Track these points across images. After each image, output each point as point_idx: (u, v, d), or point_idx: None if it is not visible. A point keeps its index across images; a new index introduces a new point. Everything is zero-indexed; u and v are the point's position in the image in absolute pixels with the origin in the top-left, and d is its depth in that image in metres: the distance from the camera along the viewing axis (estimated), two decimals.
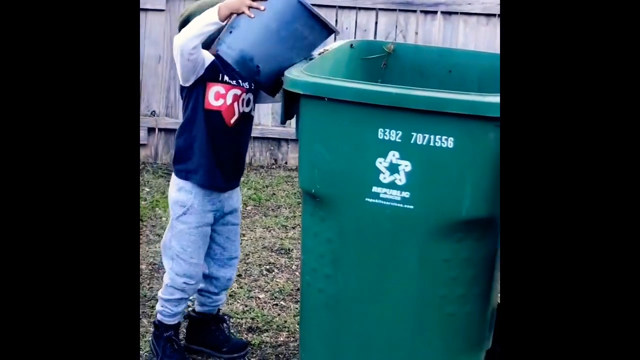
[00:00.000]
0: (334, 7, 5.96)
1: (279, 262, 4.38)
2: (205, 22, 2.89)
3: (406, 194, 2.59)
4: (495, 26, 6.01)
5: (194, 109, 3.07)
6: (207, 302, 3.35)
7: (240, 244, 4.51)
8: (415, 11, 6.05)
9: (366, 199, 2.63)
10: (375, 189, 2.62)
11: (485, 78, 3.22)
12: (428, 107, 2.51)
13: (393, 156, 2.58)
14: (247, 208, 5.22)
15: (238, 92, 3.10)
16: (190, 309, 3.44)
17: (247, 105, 3.15)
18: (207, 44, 3.04)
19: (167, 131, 5.99)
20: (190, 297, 3.32)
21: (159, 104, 6.07)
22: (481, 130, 2.49)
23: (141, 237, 4.56)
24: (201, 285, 3.32)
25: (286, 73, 2.72)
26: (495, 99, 2.49)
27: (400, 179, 2.59)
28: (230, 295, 3.89)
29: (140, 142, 5.89)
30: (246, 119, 3.18)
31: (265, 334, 3.58)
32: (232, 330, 3.53)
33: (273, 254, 4.49)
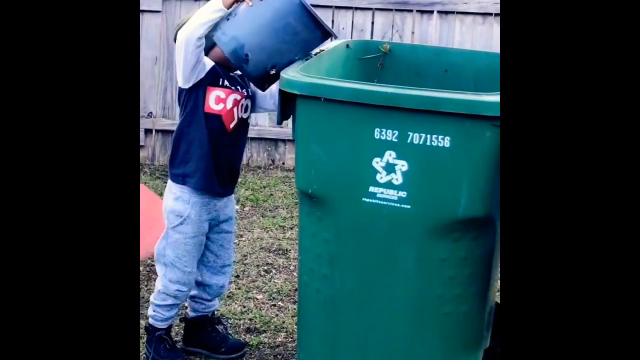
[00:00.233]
0: (330, 7, 5.96)
1: (277, 262, 4.38)
2: (211, 10, 2.89)
3: (403, 194, 2.59)
4: (491, 25, 6.01)
5: (194, 112, 3.06)
6: (200, 309, 3.35)
7: (238, 244, 4.54)
8: (411, 11, 6.05)
9: (363, 199, 2.63)
10: (372, 188, 2.62)
11: (481, 77, 3.22)
12: (424, 107, 2.51)
13: (389, 156, 2.58)
14: (245, 209, 5.22)
15: (238, 97, 3.10)
16: (184, 311, 3.44)
17: (246, 111, 3.16)
18: (207, 51, 3.04)
19: (164, 132, 5.99)
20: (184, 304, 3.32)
21: (156, 105, 6.07)
22: (477, 130, 2.49)
23: None
24: (194, 292, 3.32)
25: (282, 73, 2.72)
26: (492, 98, 2.49)
27: (397, 178, 2.59)
28: (228, 296, 3.88)
29: None
30: (244, 126, 3.18)
31: (263, 335, 3.58)
32: (229, 331, 3.53)
33: (271, 254, 4.49)
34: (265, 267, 4.31)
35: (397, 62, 3.35)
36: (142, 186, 4.47)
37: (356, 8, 6.05)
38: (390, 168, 2.59)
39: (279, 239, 4.70)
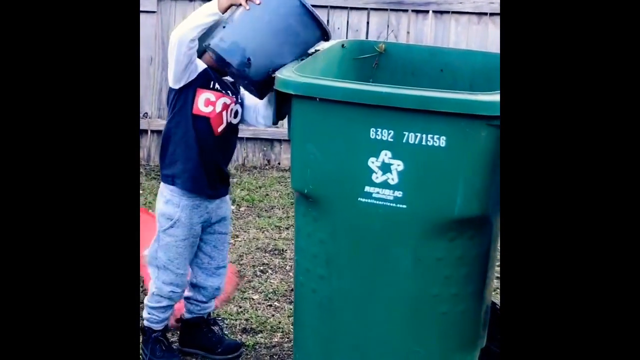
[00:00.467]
0: (325, 7, 5.96)
1: (273, 262, 4.37)
2: (206, 13, 2.88)
3: (399, 194, 2.59)
4: (486, 25, 6.02)
5: (182, 113, 3.05)
6: (196, 310, 3.34)
7: (234, 245, 4.53)
8: (406, 10, 6.05)
9: (359, 199, 2.63)
10: (367, 188, 2.62)
11: (477, 77, 3.22)
12: (420, 106, 2.51)
13: (385, 155, 2.58)
14: (241, 209, 5.21)
15: (228, 101, 3.09)
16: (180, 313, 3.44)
17: (235, 116, 3.15)
18: (200, 53, 3.03)
19: (160, 133, 5.95)
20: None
21: (151, 106, 6.06)
22: (473, 129, 2.49)
23: None
24: (189, 294, 3.31)
25: (277, 73, 2.72)
26: (487, 97, 2.49)
27: (393, 178, 2.59)
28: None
29: None
30: (233, 131, 3.17)
31: (259, 335, 3.57)
32: (226, 332, 3.53)
33: (267, 254, 4.48)
34: (261, 268, 4.30)
35: (393, 62, 3.35)
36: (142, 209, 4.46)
37: (351, 8, 6.04)
38: (386, 168, 2.58)
39: (274, 239, 4.70)
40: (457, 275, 2.68)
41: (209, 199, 3.15)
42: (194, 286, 3.29)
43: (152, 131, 6.02)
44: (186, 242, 3.14)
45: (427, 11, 6.03)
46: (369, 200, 2.62)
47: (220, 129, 3.09)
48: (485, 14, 5.99)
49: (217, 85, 3.07)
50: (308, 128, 2.67)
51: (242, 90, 3.14)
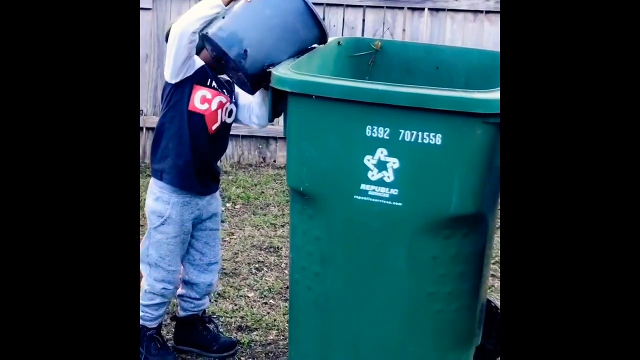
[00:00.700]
0: (321, 4, 5.95)
1: (268, 260, 4.37)
2: (210, 5, 2.87)
3: (394, 191, 2.59)
4: (482, 23, 6.02)
5: (177, 108, 3.04)
6: (190, 307, 3.34)
7: (229, 242, 4.53)
8: (402, 8, 6.05)
9: (354, 197, 2.63)
10: (363, 186, 2.61)
11: (472, 74, 3.22)
12: (416, 104, 2.50)
13: (381, 153, 2.58)
14: (236, 207, 5.21)
15: (223, 99, 3.08)
16: (175, 311, 3.43)
17: (230, 115, 3.14)
18: (198, 50, 3.02)
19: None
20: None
21: (146, 103, 6.05)
22: (469, 127, 2.49)
23: None
24: (182, 291, 3.31)
25: (274, 71, 2.71)
26: (483, 95, 2.49)
27: (389, 176, 2.58)
28: (219, 294, 3.88)
29: None
30: (226, 130, 3.16)
31: (254, 333, 3.57)
32: (221, 329, 3.52)
33: (262, 252, 4.48)
34: (257, 265, 4.30)
35: (389, 60, 3.35)
36: None
37: (347, 5, 6.04)
38: (381, 165, 2.58)
39: (270, 237, 4.70)
40: (452, 273, 2.68)
41: (200, 195, 3.14)
42: (186, 283, 3.29)
43: (147, 128, 6.01)
44: (177, 239, 3.13)
45: (423, 9, 6.03)
46: (365, 198, 2.62)
47: (214, 127, 3.08)
48: (481, 11, 5.99)
49: (213, 83, 3.06)
50: (304, 125, 2.67)
51: (236, 89, 3.13)
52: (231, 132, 3.26)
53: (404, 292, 2.67)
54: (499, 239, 4.65)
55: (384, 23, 6.07)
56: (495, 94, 2.48)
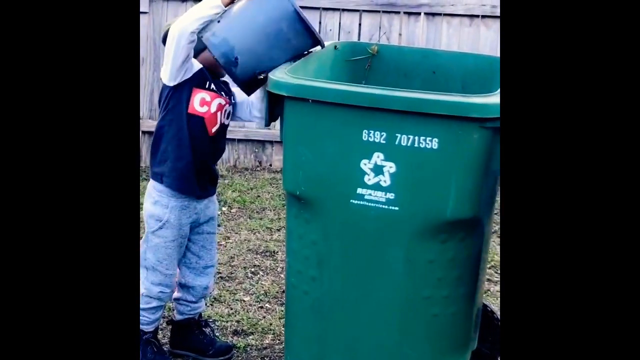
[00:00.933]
0: (317, 8, 5.96)
1: (264, 264, 4.37)
2: (210, 5, 2.86)
3: (391, 196, 2.59)
4: (478, 27, 6.03)
5: (176, 111, 3.04)
6: (186, 311, 3.34)
7: (225, 246, 4.52)
8: (398, 12, 6.05)
9: (351, 201, 2.63)
10: (360, 190, 2.61)
11: (469, 79, 3.22)
12: (412, 108, 2.51)
13: (377, 157, 2.58)
14: (232, 210, 5.21)
15: (222, 102, 3.08)
16: (171, 314, 3.43)
17: (228, 117, 3.15)
18: (196, 53, 3.02)
19: (151, 134, 5.94)
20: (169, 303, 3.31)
21: (143, 107, 6.04)
22: (466, 131, 2.49)
23: None
24: (178, 295, 3.30)
25: (270, 75, 2.72)
26: (480, 99, 2.49)
27: (385, 180, 2.58)
28: (215, 298, 3.87)
29: None
30: (224, 131, 3.17)
31: (250, 337, 3.57)
32: (217, 334, 3.52)
33: (258, 256, 4.47)
34: (253, 269, 4.30)
35: (385, 64, 3.35)
36: None
37: (343, 10, 6.05)
38: (378, 170, 2.58)
39: (266, 241, 4.69)
40: (449, 277, 2.68)
41: (198, 199, 3.14)
42: (182, 286, 3.29)
43: (144, 132, 6.00)
44: (175, 242, 3.13)
45: (419, 13, 6.03)
46: (361, 202, 2.62)
47: (214, 130, 3.08)
48: (477, 16, 6.00)
49: (212, 86, 3.06)
50: (300, 130, 2.67)
51: (233, 87, 3.13)
52: (227, 136, 3.26)
53: (401, 296, 2.67)
54: (494, 243, 4.66)
55: (380, 27, 6.08)
56: (492, 99, 2.48)
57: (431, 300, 2.68)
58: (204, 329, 3.39)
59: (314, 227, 2.72)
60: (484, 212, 2.70)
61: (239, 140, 6.12)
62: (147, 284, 3.15)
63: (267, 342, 3.55)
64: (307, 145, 2.65)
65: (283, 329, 3.33)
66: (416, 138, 2.52)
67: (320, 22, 5.98)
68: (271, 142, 6.18)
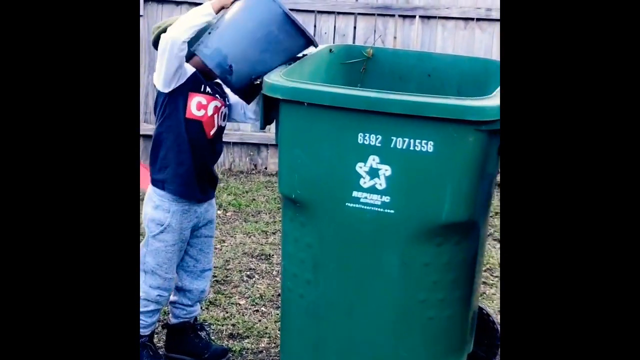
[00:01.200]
0: (312, 12, 5.96)
1: (260, 267, 4.36)
2: (202, 13, 2.86)
3: (386, 199, 2.59)
4: (472, 30, 6.03)
5: (173, 117, 3.03)
6: (182, 314, 3.33)
7: (220, 250, 4.52)
8: (393, 16, 6.06)
9: (346, 204, 2.62)
10: (355, 193, 2.61)
11: (464, 82, 3.23)
12: (407, 112, 2.51)
13: (373, 160, 2.58)
14: (227, 214, 5.20)
15: (218, 104, 3.08)
16: (166, 318, 3.42)
17: (224, 119, 3.14)
18: (187, 57, 3.02)
19: (146, 137, 5.95)
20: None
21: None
22: (461, 134, 2.49)
23: None
24: (174, 298, 3.30)
25: (265, 78, 2.71)
26: (475, 102, 2.49)
27: (381, 183, 2.58)
28: (210, 302, 3.87)
29: None
30: (221, 134, 3.16)
31: (246, 341, 3.56)
32: (212, 337, 3.51)
33: (253, 259, 4.47)
34: (248, 273, 4.29)
35: (380, 67, 3.35)
36: None
37: (338, 13, 6.05)
38: (373, 173, 2.58)
39: (261, 244, 4.69)
40: (444, 281, 2.68)
41: (199, 203, 3.14)
42: (179, 290, 3.28)
43: (139, 135, 6.00)
44: (175, 247, 3.13)
45: (414, 16, 6.04)
46: (357, 205, 2.61)
47: (212, 132, 3.08)
48: (472, 19, 6.01)
49: (207, 89, 3.06)
50: (296, 133, 2.66)
51: (226, 89, 3.13)
52: (223, 140, 3.26)
53: (396, 300, 2.67)
54: (490, 246, 4.66)
55: (375, 30, 6.08)
56: (487, 102, 2.48)
57: (427, 304, 2.68)
58: (199, 332, 3.39)
59: (309, 230, 2.72)
60: (479, 215, 2.70)
61: (234, 144, 6.11)
62: (146, 287, 3.14)
63: (263, 345, 3.54)
64: (302, 149, 2.65)
65: (279, 332, 3.33)
66: (411, 141, 2.52)
67: (315, 26, 5.98)
68: (266, 145, 6.18)
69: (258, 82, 2.80)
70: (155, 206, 3.09)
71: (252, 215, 5.21)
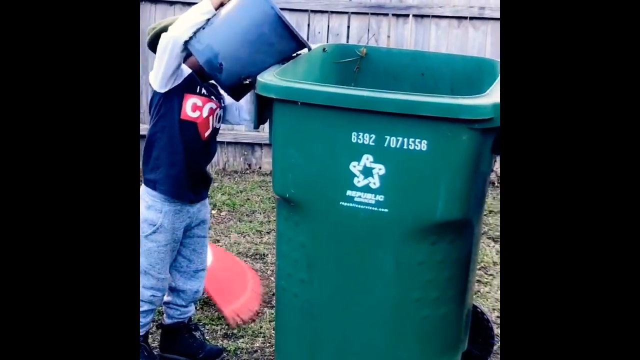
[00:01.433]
0: (305, 11, 5.96)
1: (254, 267, 4.36)
2: (201, 11, 2.84)
3: (380, 198, 2.59)
4: (466, 29, 6.04)
5: (168, 118, 3.02)
6: (176, 315, 3.33)
7: None
8: (387, 14, 6.06)
9: (340, 203, 2.63)
10: (349, 192, 2.61)
11: (457, 80, 3.23)
12: (401, 110, 2.51)
13: (367, 160, 2.58)
14: (222, 214, 5.20)
15: (214, 106, 3.08)
16: (160, 318, 3.42)
17: (219, 121, 3.14)
18: (185, 57, 3.01)
19: (141, 137, 5.95)
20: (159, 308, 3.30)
21: None
22: (455, 133, 2.49)
23: None
24: (168, 299, 3.30)
25: (259, 77, 2.71)
26: (469, 101, 2.50)
27: (375, 182, 2.58)
28: (204, 302, 3.86)
29: None
30: (216, 135, 3.16)
31: (240, 340, 3.56)
32: (207, 337, 3.51)
33: (248, 259, 4.47)
34: None
35: (374, 66, 3.35)
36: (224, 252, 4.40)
37: (332, 12, 6.05)
38: (367, 172, 2.58)
39: (256, 244, 4.68)
40: (439, 279, 2.69)
41: (191, 203, 3.13)
42: (173, 290, 3.28)
43: None
44: (168, 247, 3.12)
45: (408, 15, 6.04)
46: (351, 205, 2.62)
47: (207, 134, 3.07)
48: (465, 18, 6.02)
49: (203, 90, 3.05)
50: (289, 132, 2.66)
51: (222, 91, 3.13)
52: (217, 139, 3.26)
53: (391, 298, 2.67)
54: (484, 245, 4.67)
55: (368, 29, 6.08)
56: (480, 100, 2.49)
57: (421, 302, 2.68)
58: (193, 332, 3.39)
59: (303, 230, 2.72)
60: (473, 213, 2.70)
61: (228, 143, 6.11)
62: (139, 287, 3.14)
63: (258, 345, 3.54)
64: (296, 148, 2.65)
65: (273, 331, 3.33)
66: (405, 140, 2.53)
67: (308, 25, 5.98)
68: (260, 145, 6.18)
69: (247, 82, 2.79)
70: (147, 206, 3.09)
71: (246, 215, 5.20)
